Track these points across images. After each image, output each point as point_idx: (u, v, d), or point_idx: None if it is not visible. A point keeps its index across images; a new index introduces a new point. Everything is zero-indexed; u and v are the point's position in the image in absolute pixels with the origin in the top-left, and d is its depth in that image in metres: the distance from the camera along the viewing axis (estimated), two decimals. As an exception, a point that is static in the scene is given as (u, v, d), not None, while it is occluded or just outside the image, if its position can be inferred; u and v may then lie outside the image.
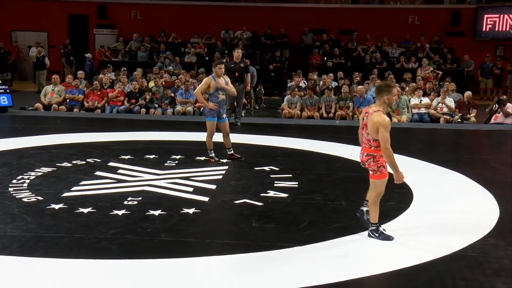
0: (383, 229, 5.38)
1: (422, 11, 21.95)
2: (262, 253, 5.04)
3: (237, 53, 11.37)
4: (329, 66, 18.92)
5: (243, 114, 13.94)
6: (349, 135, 11.07)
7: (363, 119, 5.26)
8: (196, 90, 8.74)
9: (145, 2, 22.32)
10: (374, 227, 5.36)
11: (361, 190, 7.00)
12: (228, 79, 8.77)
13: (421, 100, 13.48)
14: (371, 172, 5.28)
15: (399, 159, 8.76)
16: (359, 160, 5.44)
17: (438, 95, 13.49)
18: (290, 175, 7.74)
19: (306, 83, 15.59)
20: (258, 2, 22.40)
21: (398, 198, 6.76)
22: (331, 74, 16.02)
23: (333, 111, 13.67)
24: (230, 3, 22.32)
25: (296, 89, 14.52)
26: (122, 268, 4.72)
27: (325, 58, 19.71)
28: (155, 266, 4.75)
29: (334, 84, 15.33)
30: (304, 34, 21.11)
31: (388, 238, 5.32)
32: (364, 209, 5.47)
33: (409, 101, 13.66)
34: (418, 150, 9.55)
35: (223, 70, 8.47)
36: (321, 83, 15.48)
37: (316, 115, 13.66)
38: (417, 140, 11.16)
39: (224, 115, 8.61)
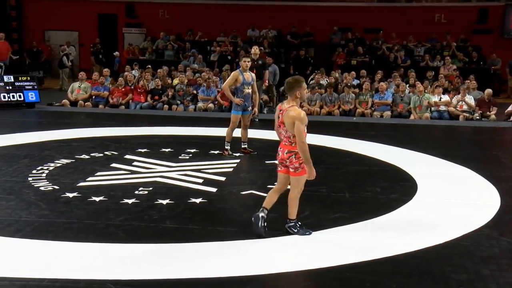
0: (300, 224, 5.40)
1: (448, 9, 21.75)
2: (260, 240, 5.23)
3: (254, 50, 11.50)
4: (353, 65, 18.96)
5: (265, 111, 14.16)
6: (365, 131, 11.24)
7: (278, 117, 5.23)
8: (224, 84, 8.94)
9: (172, 1, 22.65)
10: (292, 223, 5.37)
11: (366, 183, 7.25)
12: (253, 74, 8.94)
13: (440, 98, 13.46)
14: (292, 170, 5.21)
15: (408, 153, 9.00)
16: (277, 160, 5.35)
17: (459, 93, 13.44)
18: (299, 169, 7.89)
19: (328, 81, 15.71)
20: (284, 0, 22.52)
21: (401, 190, 6.91)
22: (353, 72, 16.10)
23: (351, 107, 13.79)
24: (256, 1, 22.51)
25: (317, 87, 14.64)
26: (125, 251, 4.97)
27: (349, 57, 19.70)
28: (156, 250, 5.01)
29: (355, 82, 15.41)
30: (333, 33, 21.19)
31: (306, 232, 5.35)
32: (261, 214, 5.29)
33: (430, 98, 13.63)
34: (430, 146, 9.61)
35: (248, 64, 8.64)
36: (343, 81, 15.57)
37: (336, 112, 13.78)
38: (432, 136, 11.21)
39: (249, 108, 8.83)
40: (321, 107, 14.02)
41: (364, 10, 21.88)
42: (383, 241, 5.28)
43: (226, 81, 8.88)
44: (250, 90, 8.75)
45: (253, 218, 5.31)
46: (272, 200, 5.39)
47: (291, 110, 5.06)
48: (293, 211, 5.34)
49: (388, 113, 13.51)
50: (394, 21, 20.94)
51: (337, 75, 16.64)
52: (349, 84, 14.46)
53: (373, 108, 13.75)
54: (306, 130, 5.14)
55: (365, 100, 13.84)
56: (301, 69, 19.29)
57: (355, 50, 19.90)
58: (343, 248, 5.12)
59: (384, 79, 15.31)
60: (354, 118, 13.26)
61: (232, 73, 8.86)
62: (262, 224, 5.26)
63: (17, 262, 4.69)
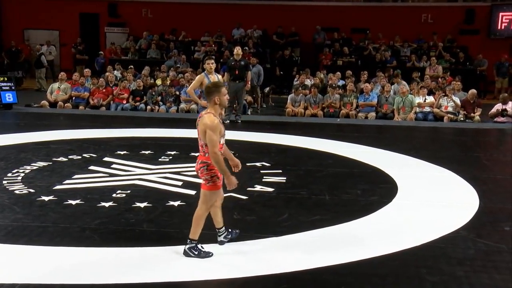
0: (202, 246, 4.87)
1: (435, 9, 21.72)
2: (236, 243, 5.17)
3: (237, 50, 11.39)
4: (339, 65, 18.92)
5: (249, 113, 14.09)
6: (349, 133, 11.20)
7: (197, 124, 4.80)
8: (189, 88, 8.81)
9: (156, 0, 22.41)
10: (193, 244, 4.81)
11: (346, 185, 7.22)
12: (220, 77, 8.82)
13: (425, 99, 13.45)
14: (203, 182, 4.82)
15: (390, 155, 8.98)
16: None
17: (444, 94, 13.42)
18: (280, 171, 7.85)
19: (313, 81, 15.65)
20: (270, 0, 22.43)
21: (381, 193, 6.88)
22: (338, 73, 16.07)
23: (337, 106, 13.75)
24: (242, 1, 22.35)
25: (300, 88, 14.59)
26: (100, 255, 4.89)
27: (335, 58, 19.68)
28: (132, 253, 4.93)
29: (341, 82, 15.38)
30: (316, 32, 21.15)
31: (207, 254, 4.84)
32: (220, 239, 5.09)
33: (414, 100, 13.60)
34: (413, 148, 9.61)
35: (212, 65, 8.46)
36: (329, 82, 15.51)
37: (320, 113, 13.73)
38: (415, 138, 11.19)
39: None
40: (305, 108, 13.96)
41: (350, 9, 21.81)
42: (361, 243, 5.24)
43: (191, 84, 8.74)
44: None
45: (219, 244, 5.11)
46: (219, 218, 5.10)
47: (205, 118, 4.67)
48: (196, 231, 4.81)
49: (373, 114, 13.47)
50: (380, 21, 20.88)
51: (322, 75, 16.60)
52: (334, 85, 14.42)
53: (358, 110, 13.72)
54: (222, 141, 4.78)
55: (349, 101, 13.80)
56: (287, 69, 19.29)
57: (341, 50, 19.86)
58: (321, 250, 5.06)
59: (369, 80, 15.29)
60: (338, 120, 13.23)
61: (197, 76, 8.72)
62: (229, 237, 5.16)
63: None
